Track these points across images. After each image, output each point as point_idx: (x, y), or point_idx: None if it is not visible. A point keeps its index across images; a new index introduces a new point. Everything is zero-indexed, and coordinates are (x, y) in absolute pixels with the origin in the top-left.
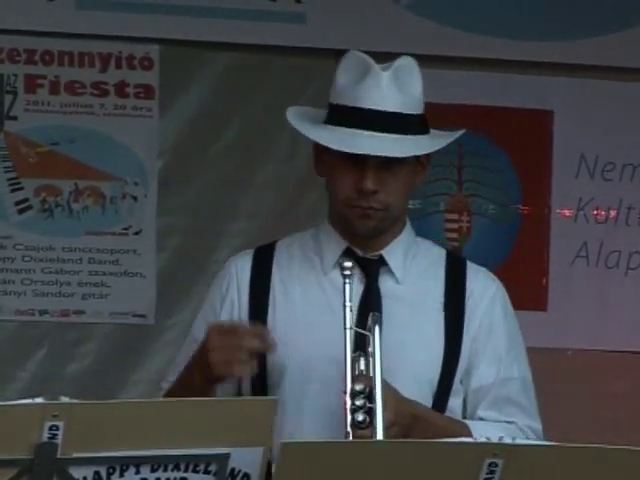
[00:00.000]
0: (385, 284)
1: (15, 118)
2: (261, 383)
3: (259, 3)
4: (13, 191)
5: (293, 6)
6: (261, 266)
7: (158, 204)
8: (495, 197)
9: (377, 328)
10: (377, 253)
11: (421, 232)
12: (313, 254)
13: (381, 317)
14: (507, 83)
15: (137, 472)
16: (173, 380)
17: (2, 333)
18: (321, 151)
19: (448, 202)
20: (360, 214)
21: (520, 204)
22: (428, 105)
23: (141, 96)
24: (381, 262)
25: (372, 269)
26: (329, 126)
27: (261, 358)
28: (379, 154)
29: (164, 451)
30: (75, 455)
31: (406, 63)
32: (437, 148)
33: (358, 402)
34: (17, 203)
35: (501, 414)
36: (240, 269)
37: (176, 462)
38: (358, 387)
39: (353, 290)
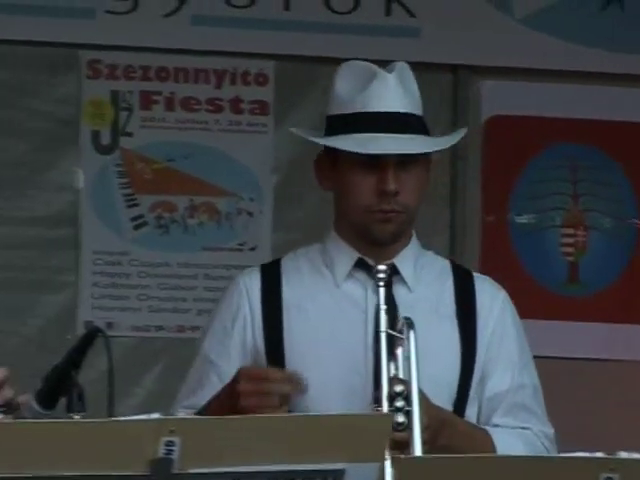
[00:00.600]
0: (398, 292)
1: (131, 134)
2: None
3: (373, 18)
4: (129, 207)
5: (407, 20)
6: (270, 282)
7: (273, 220)
8: (611, 211)
9: (412, 331)
10: (389, 262)
11: (537, 247)
12: (323, 267)
13: (413, 321)
14: (621, 96)
15: None
16: (188, 404)
17: (118, 349)
18: (327, 164)
19: (564, 217)
20: (381, 219)
21: (636, 218)
22: (541, 119)
23: (256, 112)
24: (393, 271)
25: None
26: (340, 135)
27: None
28: (407, 152)
29: (279, 466)
30: (191, 471)
31: (404, 66)
32: (452, 143)
33: (398, 404)
34: (133, 219)
35: (516, 420)
36: (249, 286)
37: (291, 478)
38: (398, 389)
39: (368, 299)
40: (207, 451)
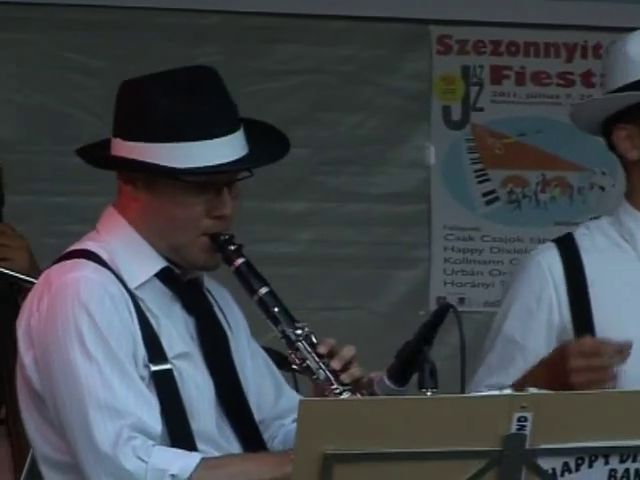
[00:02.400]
0: None
1: (481, 109)
2: None
3: None
4: (480, 182)
5: None
6: (570, 258)
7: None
8: None
9: None
10: None
11: None
12: (622, 241)
13: None
14: None
15: (606, 463)
16: (490, 383)
17: (470, 325)
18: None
19: None
20: None
21: None
22: None
23: None
24: None
25: None
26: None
27: None
28: None
29: (633, 442)
30: (543, 446)
31: None
32: None
33: None
34: (484, 194)
35: None
36: (550, 264)
37: None
38: None
39: None
40: (559, 426)
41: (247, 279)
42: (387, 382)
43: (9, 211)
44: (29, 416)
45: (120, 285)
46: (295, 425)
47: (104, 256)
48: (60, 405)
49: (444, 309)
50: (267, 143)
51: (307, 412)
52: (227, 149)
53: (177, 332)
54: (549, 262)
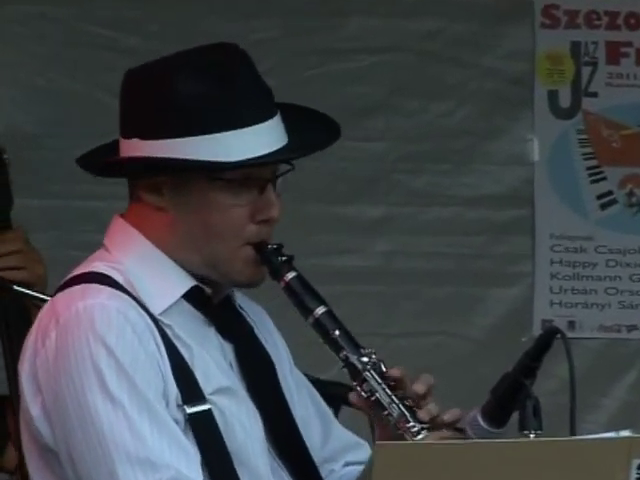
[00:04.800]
0: None
1: (595, 94)
2: None
3: None
4: (594, 182)
5: None
6: None
7: None
8: None
9: None
10: None
11: None
12: None
13: None
14: None
15: None
16: None
17: (582, 353)
18: None
19: None
20: None
21: None
22: None
23: None
24: None
25: None
26: None
27: None
28: None
29: None
30: None
31: None
32: None
33: None
34: (599, 197)
35: None
36: None
37: None
38: None
39: None
40: None
41: (300, 296)
42: (481, 422)
43: (21, 217)
44: (40, 477)
45: (142, 311)
46: (349, 470)
47: (118, 279)
48: (79, 461)
49: (550, 335)
50: (310, 129)
51: (385, 459)
52: (265, 138)
53: (214, 362)
54: None
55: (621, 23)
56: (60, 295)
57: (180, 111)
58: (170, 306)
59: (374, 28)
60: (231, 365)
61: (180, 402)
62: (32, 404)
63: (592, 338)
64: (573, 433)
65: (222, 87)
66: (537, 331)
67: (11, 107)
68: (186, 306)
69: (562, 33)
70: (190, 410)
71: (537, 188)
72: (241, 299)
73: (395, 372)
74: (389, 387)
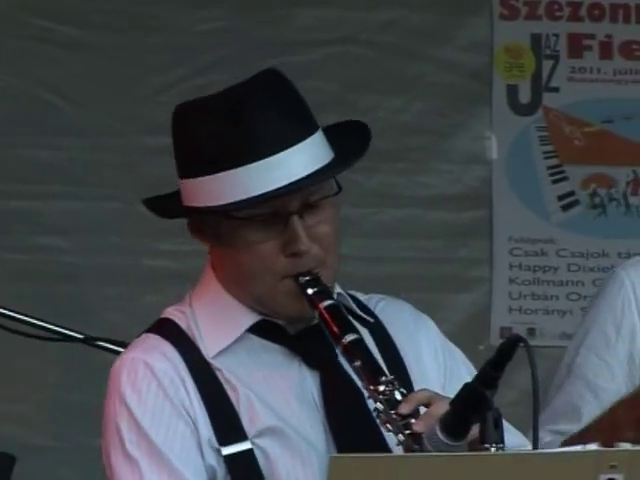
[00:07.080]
0: None
1: (557, 90)
2: None
3: None
4: (555, 182)
5: None
6: None
7: None
8: None
9: None
10: None
11: None
12: None
13: None
14: None
15: None
16: (556, 429)
17: (543, 362)
18: None
19: None
20: None
21: None
22: None
23: None
24: None
25: None
26: None
27: None
28: None
29: None
30: None
31: None
32: None
33: None
34: (560, 197)
35: None
36: (636, 284)
37: None
38: None
39: None
40: None
41: (329, 325)
42: (440, 435)
43: None
44: None
45: (180, 360)
46: None
47: (182, 323)
48: None
49: (511, 343)
50: (346, 144)
51: (340, 471)
52: (284, 168)
53: (275, 398)
54: (634, 281)
55: (584, 14)
56: None
57: (190, 152)
58: (226, 348)
59: (327, 19)
60: (313, 396)
61: (216, 445)
62: None
63: (553, 346)
64: (536, 446)
65: (231, 123)
66: (495, 339)
67: None
68: (256, 340)
69: (522, 25)
70: (227, 451)
71: (495, 188)
72: (380, 308)
73: (404, 409)
74: (397, 415)
